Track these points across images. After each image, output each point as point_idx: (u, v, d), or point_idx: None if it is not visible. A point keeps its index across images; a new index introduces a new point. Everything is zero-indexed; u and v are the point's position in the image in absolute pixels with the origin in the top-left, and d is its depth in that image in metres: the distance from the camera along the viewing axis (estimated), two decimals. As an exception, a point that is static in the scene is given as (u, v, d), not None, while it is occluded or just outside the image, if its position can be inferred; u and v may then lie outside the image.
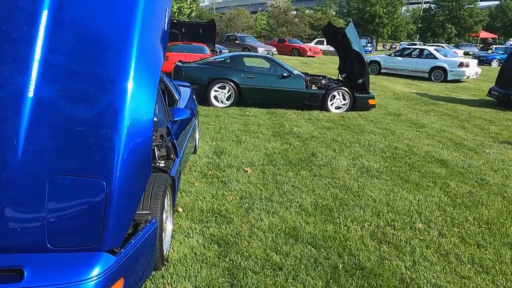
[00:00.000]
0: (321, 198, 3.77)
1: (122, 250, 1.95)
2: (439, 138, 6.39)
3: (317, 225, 3.23)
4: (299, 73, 8.21)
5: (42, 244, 1.81)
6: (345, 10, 52.35)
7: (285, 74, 7.87)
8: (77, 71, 1.87)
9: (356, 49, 7.75)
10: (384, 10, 46.54)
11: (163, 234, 2.67)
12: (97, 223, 1.84)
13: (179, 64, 8.10)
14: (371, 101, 8.26)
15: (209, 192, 3.76)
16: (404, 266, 2.72)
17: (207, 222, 3.18)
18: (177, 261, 2.63)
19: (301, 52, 26.56)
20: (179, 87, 5.29)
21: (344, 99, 8.07)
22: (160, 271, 2.50)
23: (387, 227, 3.26)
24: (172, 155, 3.19)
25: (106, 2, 1.97)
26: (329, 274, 2.59)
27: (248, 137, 5.75)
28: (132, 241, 2.04)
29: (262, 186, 3.98)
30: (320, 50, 27.35)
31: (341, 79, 9.00)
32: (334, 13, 55.44)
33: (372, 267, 2.69)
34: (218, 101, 7.85)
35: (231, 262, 2.66)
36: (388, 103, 9.51)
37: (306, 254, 2.80)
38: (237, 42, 25.18)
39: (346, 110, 8.07)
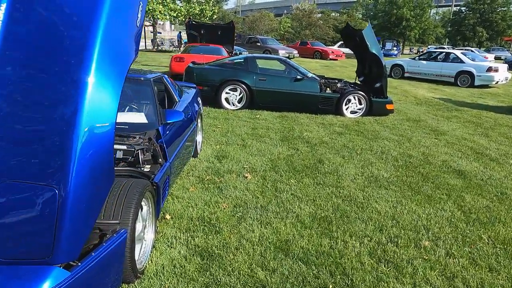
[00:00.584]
0: (320, 209, 3.53)
1: (79, 264, 1.79)
2: (458, 146, 6.00)
3: (311, 239, 3.00)
4: (313, 75, 7.95)
5: (-12, 255, 1.68)
6: (371, 13, 51.40)
7: (298, 77, 7.61)
8: (32, 71, 1.72)
9: (374, 52, 7.45)
10: (412, 13, 45.38)
11: (141, 245, 2.52)
12: (48, 235, 1.69)
13: (191, 65, 7.99)
14: (388, 106, 7.89)
15: (202, 198, 3.58)
16: (402, 290, 2.46)
17: (194, 232, 3.00)
18: (153, 274, 2.46)
19: (323, 55, 26.16)
20: (184, 88, 5.16)
21: (360, 104, 7.75)
22: (133, 285, 2.33)
23: (389, 244, 2.99)
24: (160, 160, 3.04)
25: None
26: (316, 296, 2.36)
27: (254, 141, 5.55)
28: (93, 253, 1.88)
29: (260, 194, 3.77)
30: (343, 53, 26.81)
31: (358, 82, 8.68)
32: (361, 16, 54.59)
33: (366, 289, 2.44)
34: (229, 104, 7.68)
35: (212, 277, 2.47)
36: (408, 108, 9.10)
37: (295, 271, 2.57)
38: (259, 44, 25.03)
39: (362, 115, 7.75)
